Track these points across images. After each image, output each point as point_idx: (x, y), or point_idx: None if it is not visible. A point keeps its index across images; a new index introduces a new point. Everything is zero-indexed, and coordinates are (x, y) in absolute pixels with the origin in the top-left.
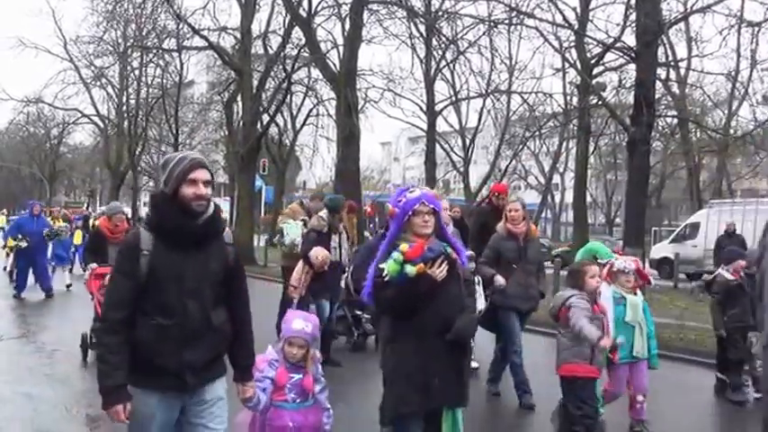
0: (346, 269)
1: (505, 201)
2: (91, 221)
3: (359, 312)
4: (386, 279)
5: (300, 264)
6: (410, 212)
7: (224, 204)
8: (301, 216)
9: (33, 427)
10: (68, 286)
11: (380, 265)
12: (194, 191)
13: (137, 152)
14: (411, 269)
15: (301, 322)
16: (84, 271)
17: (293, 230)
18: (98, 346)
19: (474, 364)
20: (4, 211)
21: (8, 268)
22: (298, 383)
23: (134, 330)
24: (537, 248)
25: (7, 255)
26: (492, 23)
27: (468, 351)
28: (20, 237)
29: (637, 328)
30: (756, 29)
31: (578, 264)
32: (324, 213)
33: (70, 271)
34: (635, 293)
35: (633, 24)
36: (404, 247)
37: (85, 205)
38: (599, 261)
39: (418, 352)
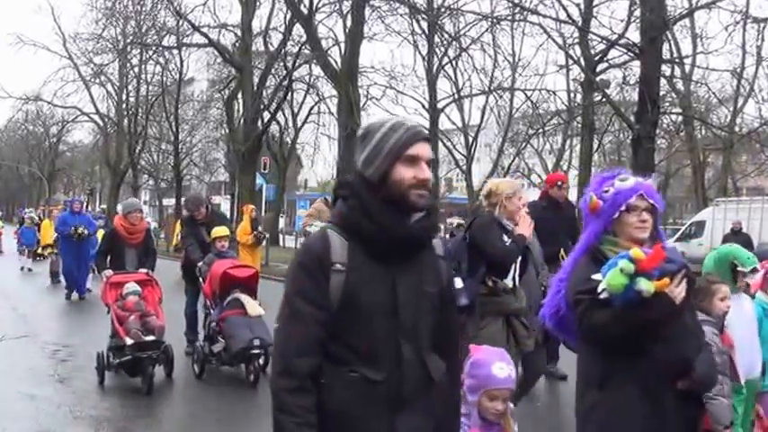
0: None
1: (565, 191)
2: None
3: None
4: (602, 296)
5: None
6: (623, 207)
7: (225, 203)
8: (328, 216)
9: (37, 427)
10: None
11: (594, 276)
12: (415, 173)
13: (137, 150)
14: (648, 285)
15: (505, 368)
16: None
17: None
18: (280, 412)
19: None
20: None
21: (51, 268)
22: None
23: (319, 389)
24: None
25: (43, 256)
26: (495, 20)
27: (703, 407)
28: (72, 228)
29: None
30: (762, 25)
31: (704, 279)
32: None
33: None
34: None
35: (637, 20)
36: (637, 252)
37: (84, 204)
38: (740, 269)
39: (644, 403)
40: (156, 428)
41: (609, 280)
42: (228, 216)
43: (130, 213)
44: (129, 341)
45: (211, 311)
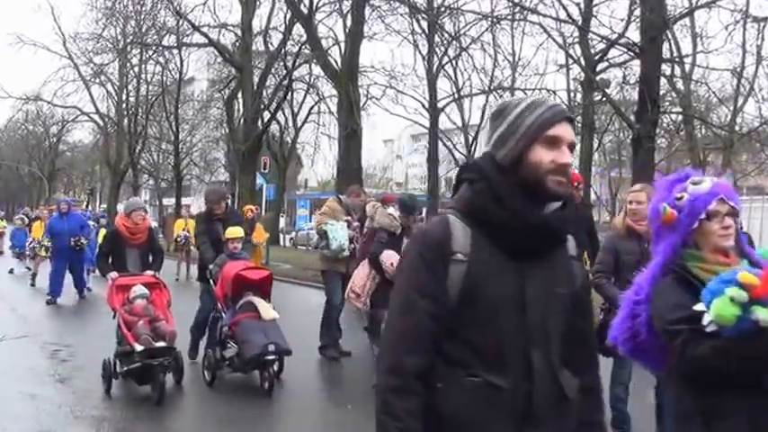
0: None
1: (581, 192)
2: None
3: None
4: (709, 329)
5: (365, 268)
6: (702, 215)
7: None
8: (344, 216)
9: (38, 427)
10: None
11: (696, 307)
12: (554, 157)
13: (137, 150)
14: (766, 314)
15: None
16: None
17: (339, 233)
18: (384, 414)
19: None
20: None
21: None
22: None
23: (433, 393)
24: None
25: (32, 257)
26: (495, 19)
27: None
28: (46, 240)
29: None
30: (762, 24)
31: None
32: (395, 212)
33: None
34: None
35: (638, 20)
36: (747, 277)
37: (85, 204)
38: None
39: None
40: (159, 429)
41: (718, 311)
42: None
43: (134, 212)
44: (138, 347)
45: (223, 315)
